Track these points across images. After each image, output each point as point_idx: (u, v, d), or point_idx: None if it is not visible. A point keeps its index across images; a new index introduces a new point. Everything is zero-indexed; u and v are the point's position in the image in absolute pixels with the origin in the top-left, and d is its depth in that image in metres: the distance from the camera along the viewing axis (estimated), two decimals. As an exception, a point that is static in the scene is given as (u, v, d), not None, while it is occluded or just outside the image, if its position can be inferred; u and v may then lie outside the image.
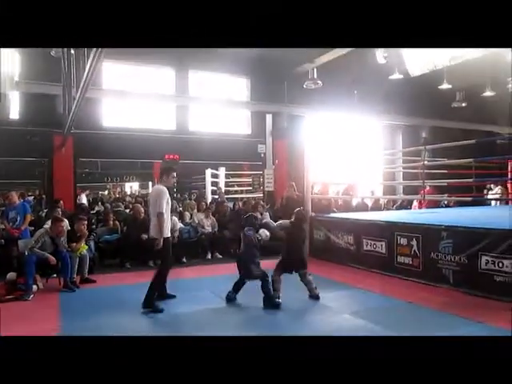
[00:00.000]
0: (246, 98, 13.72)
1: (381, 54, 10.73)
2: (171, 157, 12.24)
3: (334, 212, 9.38)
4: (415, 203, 11.91)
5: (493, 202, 11.36)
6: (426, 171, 8.39)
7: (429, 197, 9.95)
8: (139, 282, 5.24)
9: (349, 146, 14.30)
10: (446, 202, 11.36)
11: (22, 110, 10.89)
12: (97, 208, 12.20)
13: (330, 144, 14.08)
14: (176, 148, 12.30)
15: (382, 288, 5.84)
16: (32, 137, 10.45)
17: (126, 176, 19.36)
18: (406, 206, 12.05)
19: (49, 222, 6.62)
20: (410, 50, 11.18)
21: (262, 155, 13.19)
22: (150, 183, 16.79)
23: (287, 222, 5.53)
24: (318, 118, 14.45)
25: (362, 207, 11.24)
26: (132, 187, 20.51)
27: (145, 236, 6.60)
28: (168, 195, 5.17)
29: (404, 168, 11.35)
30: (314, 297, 5.25)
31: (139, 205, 8.67)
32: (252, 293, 5.09)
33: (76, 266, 6.20)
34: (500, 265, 5.05)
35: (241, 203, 11.75)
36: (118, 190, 20.06)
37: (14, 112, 10.93)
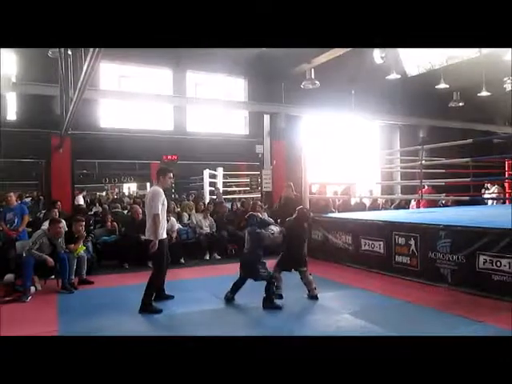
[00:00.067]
0: (244, 98, 13.74)
1: (378, 54, 10.76)
2: (169, 157, 12.24)
3: (332, 212, 9.39)
4: (413, 203, 11.94)
5: (489, 202, 11.39)
6: (423, 171, 8.42)
7: (426, 196, 9.98)
8: (137, 282, 5.23)
9: (346, 146, 14.32)
10: (443, 202, 11.39)
11: (20, 111, 10.88)
12: (95, 209, 12.17)
13: (327, 144, 14.10)
14: (174, 149, 12.30)
15: (381, 288, 5.84)
16: (30, 138, 10.43)
17: (123, 177, 19.33)
18: (404, 205, 12.07)
19: (46, 224, 6.61)
20: (407, 50, 11.22)
21: (260, 155, 13.20)
22: (148, 184, 16.75)
23: (291, 219, 5.52)
24: (315, 118, 14.47)
25: (360, 207, 11.26)
26: (130, 188, 20.48)
27: (143, 237, 6.60)
28: (163, 196, 5.11)
29: (402, 168, 11.39)
30: (313, 297, 5.25)
31: (137, 206, 8.65)
32: (250, 293, 5.09)
33: (74, 268, 6.17)
34: (498, 264, 5.06)
35: (239, 204, 11.77)
36: (116, 190, 20.02)
37: (12, 113, 10.94)
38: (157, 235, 4.93)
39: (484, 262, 5.21)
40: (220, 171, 14.32)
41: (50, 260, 5.80)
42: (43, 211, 9.67)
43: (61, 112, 9.07)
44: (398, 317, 4.66)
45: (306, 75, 11.70)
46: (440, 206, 11.13)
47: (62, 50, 7.70)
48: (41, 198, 12.51)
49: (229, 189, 15.08)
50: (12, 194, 7.59)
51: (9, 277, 5.92)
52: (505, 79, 13.49)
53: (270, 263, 5.34)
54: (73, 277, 6.14)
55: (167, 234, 6.05)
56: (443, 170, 9.62)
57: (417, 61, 11.54)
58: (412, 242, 6.21)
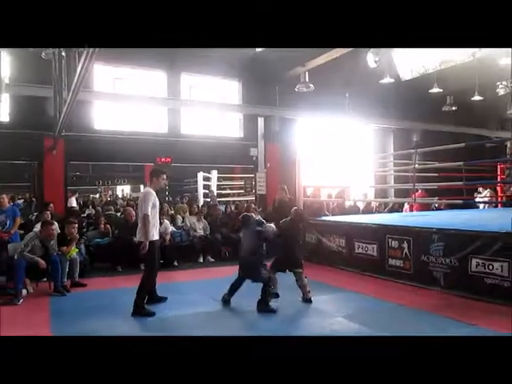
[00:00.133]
0: (238, 101, 13.74)
1: (372, 58, 10.79)
2: (163, 160, 12.20)
3: (326, 215, 9.40)
4: (406, 206, 11.99)
5: (481, 205, 11.47)
6: (416, 174, 8.45)
7: (420, 200, 10.03)
8: (130, 285, 5.20)
9: (341, 150, 14.37)
10: (436, 205, 11.45)
11: (13, 113, 10.81)
12: (88, 211, 12.12)
13: (322, 147, 14.14)
14: (168, 151, 12.27)
15: (374, 291, 5.86)
16: (22, 139, 10.36)
17: (117, 179, 19.27)
18: (398, 208, 12.12)
19: (39, 226, 6.56)
20: (401, 54, 11.29)
21: (254, 158, 13.20)
22: (142, 186, 16.72)
23: (287, 220, 5.52)
24: (309, 122, 14.51)
25: (354, 210, 11.29)
26: (124, 190, 20.42)
27: (136, 239, 6.57)
28: (155, 198, 5.05)
29: (395, 171, 11.43)
30: (307, 300, 5.25)
31: (131, 208, 8.61)
32: (245, 296, 5.08)
33: (66, 270, 6.14)
34: (490, 267, 5.10)
35: (233, 206, 11.76)
36: (110, 193, 19.96)
37: (4, 114, 10.86)
38: (147, 237, 4.89)
39: (476, 266, 5.24)
40: (214, 174, 14.31)
41: (42, 262, 5.76)
42: (35, 213, 9.61)
43: (54, 114, 9.02)
44: (391, 320, 4.67)
45: (301, 78, 11.72)
46: (433, 210, 11.20)
47: (56, 51, 7.67)
48: (33, 199, 12.43)
49: (223, 191, 15.07)
50: (4, 195, 7.53)
51: (0, 279, 5.86)
52: (497, 84, 13.61)
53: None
54: (65, 279, 6.11)
55: (160, 236, 6.03)
56: (436, 174, 9.68)
57: (410, 65, 11.61)
58: (405, 245, 6.24)
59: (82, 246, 7.18)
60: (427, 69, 11.29)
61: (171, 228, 8.58)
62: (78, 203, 13.90)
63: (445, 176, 9.48)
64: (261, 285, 4.98)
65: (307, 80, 11.66)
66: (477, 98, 13.40)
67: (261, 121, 13.19)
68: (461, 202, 9.27)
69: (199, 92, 13.34)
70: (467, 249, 5.36)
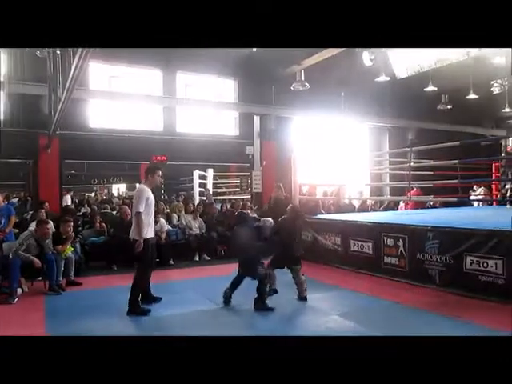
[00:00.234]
0: (234, 99, 13.72)
1: (367, 57, 10.81)
2: (159, 158, 12.18)
3: (322, 213, 9.42)
4: (402, 204, 12.03)
5: (475, 203, 11.52)
6: (412, 172, 8.49)
7: (415, 198, 10.07)
8: (126, 284, 5.19)
9: (336, 148, 14.39)
10: (431, 203, 11.50)
11: (7, 111, 10.74)
12: (83, 210, 12.07)
13: (317, 145, 14.16)
14: (163, 149, 12.25)
15: (370, 289, 5.88)
16: (17, 138, 10.30)
17: (112, 177, 19.18)
18: (393, 207, 12.15)
19: (34, 224, 6.54)
20: (397, 53, 11.31)
21: (250, 157, 13.21)
22: (138, 185, 16.66)
23: (284, 217, 5.51)
24: (305, 120, 14.51)
25: (350, 208, 11.32)
26: (119, 189, 20.34)
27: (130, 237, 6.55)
28: (149, 195, 5.00)
29: (391, 169, 11.47)
30: (302, 298, 5.26)
31: (126, 206, 8.59)
32: (241, 293, 5.08)
33: (62, 269, 6.11)
34: (485, 265, 5.12)
35: (229, 205, 11.76)
36: (105, 191, 19.88)
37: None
38: (141, 235, 4.86)
39: (471, 263, 5.27)
40: (210, 172, 14.29)
41: (37, 261, 5.74)
42: (30, 212, 9.55)
43: (49, 112, 8.98)
44: (386, 318, 4.69)
45: (296, 77, 11.72)
46: (428, 208, 11.24)
47: (51, 49, 7.63)
48: (28, 198, 12.35)
49: (219, 190, 15.06)
50: (-1, 194, 7.50)
51: (-5, 278, 5.85)
52: (492, 82, 13.67)
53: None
54: (60, 278, 6.09)
55: (156, 234, 6.01)
56: (431, 172, 9.72)
57: (406, 63, 11.65)
58: (400, 243, 6.26)
59: (78, 245, 7.16)
60: (422, 67, 11.34)
61: (167, 226, 8.57)
62: (73, 202, 13.84)
63: (440, 174, 9.52)
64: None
65: (303, 79, 11.66)
66: (472, 96, 13.45)
67: (257, 119, 13.20)
68: (456, 200, 9.32)
69: (195, 90, 13.31)
70: (462, 246, 5.39)
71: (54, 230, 6.48)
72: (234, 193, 14.68)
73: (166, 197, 14.71)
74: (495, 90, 13.88)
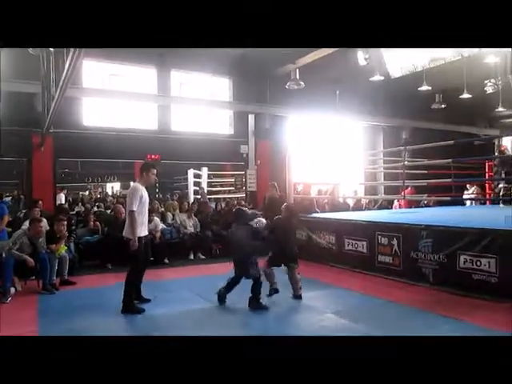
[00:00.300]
0: (229, 98, 13.70)
1: (362, 56, 10.83)
2: (153, 157, 12.13)
3: (316, 212, 9.44)
4: (396, 203, 12.08)
5: (468, 202, 11.59)
6: (406, 171, 8.52)
7: (409, 197, 10.11)
8: (120, 282, 5.17)
9: (331, 147, 14.41)
10: (425, 202, 11.55)
11: (0, 109, 10.65)
12: (77, 208, 12.02)
13: (312, 144, 14.17)
14: (158, 148, 12.20)
15: (364, 287, 5.90)
16: (10, 136, 10.22)
17: (107, 176, 19.07)
18: (387, 205, 12.20)
19: (27, 223, 6.50)
20: (391, 52, 11.34)
21: (245, 155, 13.19)
22: (132, 183, 16.60)
23: (280, 216, 5.51)
24: (300, 119, 14.52)
25: (344, 207, 11.35)
26: (113, 187, 20.25)
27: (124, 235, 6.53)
28: (143, 193, 4.97)
29: (385, 168, 11.50)
30: (297, 297, 5.27)
31: (120, 205, 8.56)
32: (236, 292, 5.08)
33: (55, 268, 6.08)
34: (478, 263, 5.16)
35: (223, 203, 11.75)
36: (99, 190, 19.79)
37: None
38: (135, 233, 4.83)
39: (464, 262, 5.30)
40: (204, 171, 14.27)
41: (31, 260, 5.71)
42: (24, 210, 9.50)
43: (42, 110, 8.93)
44: (380, 316, 4.71)
45: (291, 76, 11.71)
46: (422, 206, 11.29)
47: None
48: (21, 197, 12.28)
49: (213, 188, 15.03)
50: (-8, 193, 7.45)
51: (-12, 277, 5.80)
52: (486, 82, 13.73)
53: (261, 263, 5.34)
54: (54, 277, 6.06)
55: (150, 233, 5.99)
56: (425, 171, 9.76)
57: (400, 62, 11.67)
58: (394, 241, 6.29)
59: (72, 244, 7.13)
60: (416, 66, 11.36)
61: (161, 225, 8.56)
62: (67, 200, 13.76)
63: (434, 173, 9.57)
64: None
65: (298, 77, 11.66)
66: (465, 95, 13.51)
67: (251, 118, 13.18)
68: (449, 198, 9.36)
69: (189, 89, 13.28)
70: (455, 245, 5.42)
71: (48, 228, 6.45)
72: (229, 191, 14.66)
73: (161, 195, 14.66)
74: (489, 90, 13.94)
